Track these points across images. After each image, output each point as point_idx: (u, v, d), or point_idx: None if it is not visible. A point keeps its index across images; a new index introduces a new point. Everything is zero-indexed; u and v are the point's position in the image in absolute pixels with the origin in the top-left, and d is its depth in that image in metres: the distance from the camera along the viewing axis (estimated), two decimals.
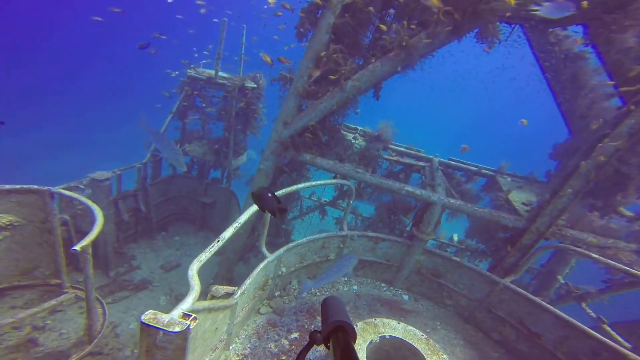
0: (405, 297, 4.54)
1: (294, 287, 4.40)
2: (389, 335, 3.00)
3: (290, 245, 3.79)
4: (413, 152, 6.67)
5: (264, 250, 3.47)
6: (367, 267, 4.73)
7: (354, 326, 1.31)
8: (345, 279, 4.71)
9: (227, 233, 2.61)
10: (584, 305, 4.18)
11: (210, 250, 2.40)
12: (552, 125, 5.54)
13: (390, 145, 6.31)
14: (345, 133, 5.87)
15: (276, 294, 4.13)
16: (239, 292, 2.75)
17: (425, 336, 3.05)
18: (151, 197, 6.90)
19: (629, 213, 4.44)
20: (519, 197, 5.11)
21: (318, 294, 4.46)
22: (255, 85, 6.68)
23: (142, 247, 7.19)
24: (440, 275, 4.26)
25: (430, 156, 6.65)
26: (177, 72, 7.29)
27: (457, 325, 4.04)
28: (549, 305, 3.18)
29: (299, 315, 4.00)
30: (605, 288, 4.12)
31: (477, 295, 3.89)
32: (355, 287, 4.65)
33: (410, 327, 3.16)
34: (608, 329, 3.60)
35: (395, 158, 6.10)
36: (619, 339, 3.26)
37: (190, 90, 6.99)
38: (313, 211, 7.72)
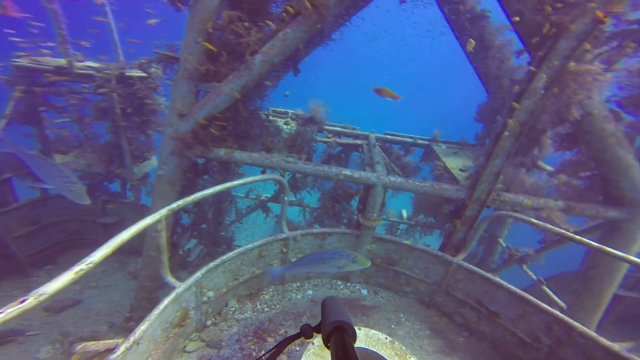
0: (364, 291, 4.19)
1: (232, 309, 3.71)
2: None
3: (211, 265, 3.06)
4: (349, 130, 6.29)
5: (169, 279, 2.69)
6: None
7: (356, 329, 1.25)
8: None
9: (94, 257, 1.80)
10: (524, 267, 4.36)
11: (60, 281, 1.57)
12: (477, 88, 5.58)
13: (326, 127, 5.82)
14: (275, 119, 5.16)
15: (208, 322, 3.39)
16: (125, 345, 1.99)
17: (389, 339, 2.68)
18: (9, 227, 5.30)
19: (548, 167, 4.68)
20: (455, 164, 5.09)
21: (267, 309, 3.84)
22: (144, 74, 5.40)
23: (6, 289, 5.46)
24: (394, 263, 3.98)
25: (367, 132, 6.36)
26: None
27: (420, 313, 3.84)
28: (502, 282, 3.12)
29: (243, 342, 3.33)
30: (541, 248, 4.33)
31: (434, 278, 3.71)
32: (310, 292, 4.13)
33: (373, 332, 2.76)
34: (546, 289, 3.77)
35: (332, 139, 5.63)
36: (556, 299, 3.44)
37: (28, 85, 5.15)
38: (253, 210, 6.97)
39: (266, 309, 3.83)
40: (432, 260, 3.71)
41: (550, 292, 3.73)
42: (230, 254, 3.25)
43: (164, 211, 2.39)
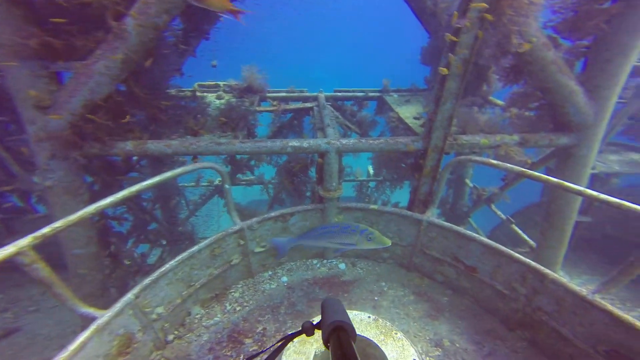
0: (342, 265, 3.99)
1: (198, 315, 3.35)
2: None
3: (147, 281, 2.59)
4: (296, 94, 5.69)
5: (84, 310, 2.20)
6: (290, 250, 3.98)
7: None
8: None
9: None
10: (493, 207, 4.40)
11: None
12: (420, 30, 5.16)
13: (268, 94, 5.17)
14: (203, 94, 4.40)
15: (169, 337, 3.02)
16: None
17: (372, 317, 2.53)
18: None
19: (500, 102, 4.59)
20: (409, 112, 4.83)
21: (239, 308, 3.53)
22: None
23: None
24: None
25: (315, 93, 5.81)
26: None
27: (402, 277, 3.74)
28: (473, 234, 3.03)
29: (217, 350, 3.01)
30: (504, 185, 4.36)
31: (408, 239, 3.58)
32: (284, 279, 3.85)
33: (355, 313, 2.58)
34: (515, 228, 3.84)
35: (277, 107, 5.03)
36: (526, 237, 3.51)
37: None
38: (210, 198, 6.38)
39: (238, 308, 3.51)
40: (403, 221, 3.55)
41: (519, 231, 3.83)
42: (173, 263, 2.79)
43: (24, 242, 1.83)
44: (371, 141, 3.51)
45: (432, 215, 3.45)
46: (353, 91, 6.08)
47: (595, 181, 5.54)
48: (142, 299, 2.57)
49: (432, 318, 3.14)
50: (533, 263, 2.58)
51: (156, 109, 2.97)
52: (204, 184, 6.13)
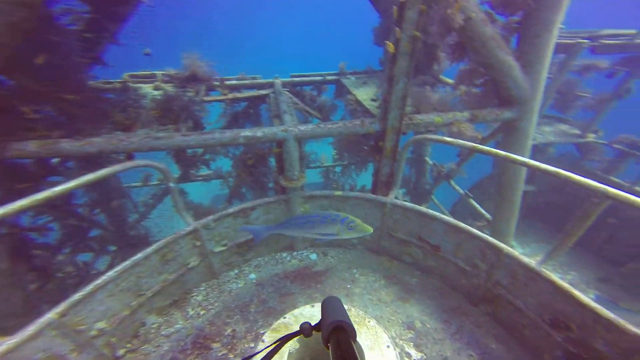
0: (313, 256, 3.88)
1: (155, 325, 3.07)
2: None
3: (76, 297, 2.26)
4: (248, 81, 5.35)
5: None
6: (256, 245, 3.76)
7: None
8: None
9: None
10: (452, 182, 4.55)
11: None
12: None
13: (215, 82, 4.76)
14: (138, 85, 3.90)
15: (120, 352, 2.72)
16: None
17: (345, 307, 2.47)
18: None
19: (449, 81, 4.71)
20: (366, 95, 4.78)
21: (203, 312, 3.28)
22: None
23: None
24: None
25: (270, 79, 5.51)
26: None
27: (372, 262, 3.74)
28: (435, 213, 3.08)
29: (181, 359, 2.77)
30: (459, 161, 4.52)
31: (375, 223, 3.55)
32: (252, 276, 3.65)
33: None
34: (473, 202, 4.00)
35: (228, 96, 4.67)
36: (482, 211, 3.68)
37: None
38: (162, 198, 5.87)
39: (202, 312, 3.27)
40: (368, 205, 3.52)
41: (476, 205, 4.01)
42: (111, 274, 2.47)
43: None
44: (330, 126, 3.38)
45: (396, 196, 3.47)
46: (311, 75, 5.88)
47: (536, 152, 6.04)
48: (72, 316, 2.24)
49: (403, 301, 3.19)
50: (490, 238, 2.68)
51: (66, 102, 2.50)
52: (154, 182, 5.59)
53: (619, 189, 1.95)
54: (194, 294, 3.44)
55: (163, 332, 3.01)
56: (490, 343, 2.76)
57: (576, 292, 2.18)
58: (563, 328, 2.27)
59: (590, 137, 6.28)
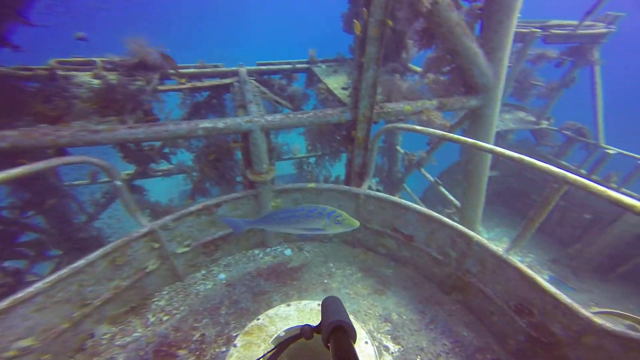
0: (288, 251, 3.72)
1: (106, 336, 2.76)
2: (285, 331, 2.09)
3: None
4: (209, 69, 4.94)
5: None
6: (224, 244, 3.50)
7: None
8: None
9: None
10: (422, 170, 4.57)
11: None
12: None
13: (170, 71, 4.32)
14: (74, 73, 3.38)
15: None
16: None
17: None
18: None
19: (418, 69, 4.70)
20: (337, 83, 4.63)
21: (166, 318, 3.00)
22: None
23: None
24: None
25: (234, 68, 5.14)
26: None
27: (348, 255, 3.67)
28: (407, 203, 3.04)
29: None
30: (429, 149, 4.55)
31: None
32: (222, 276, 3.42)
33: (304, 303, 2.35)
34: (442, 190, 4.04)
35: (184, 85, 4.26)
36: (451, 198, 3.72)
37: None
38: (115, 198, 5.34)
39: (165, 318, 3.01)
40: (342, 197, 3.42)
41: (446, 192, 4.06)
42: (39, 285, 2.15)
43: None
44: (300, 115, 3.20)
45: (369, 187, 3.41)
46: (279, 64, 5.57)
47: (498, 138, 6.32)
48: None
49: (379, 293, 3.16)
50: (460, 226, 2.70)
51: None
52: (104, 180, 5.04)
53: (575, 174, 2.01)
54: (155, 299, 3.17)
55: (117, 342, 2.73)
56: (462, 331, 2.81)
57: (539, 279, 2.25)
58: (526, 314, 2.35)
59: (544, 124, 6.70)
